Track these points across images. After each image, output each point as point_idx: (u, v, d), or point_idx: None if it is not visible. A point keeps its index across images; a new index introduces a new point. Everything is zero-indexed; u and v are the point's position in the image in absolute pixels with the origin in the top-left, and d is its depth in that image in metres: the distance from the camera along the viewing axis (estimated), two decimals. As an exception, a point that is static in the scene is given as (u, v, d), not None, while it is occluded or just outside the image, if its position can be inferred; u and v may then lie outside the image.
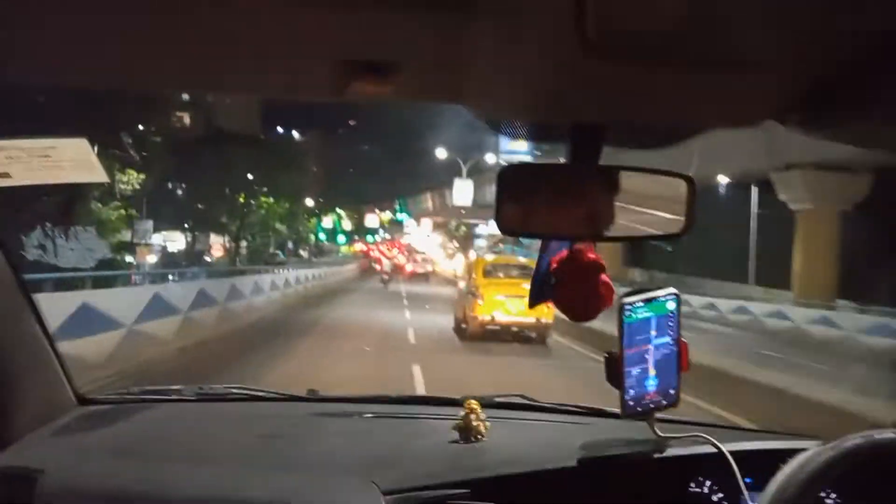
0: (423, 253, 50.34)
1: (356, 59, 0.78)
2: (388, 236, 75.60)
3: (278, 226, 33.17)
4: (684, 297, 1.21)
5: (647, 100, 0.77)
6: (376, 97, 0.91)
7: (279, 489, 1.07)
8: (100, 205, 15.43)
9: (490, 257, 14.88)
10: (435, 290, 20.95)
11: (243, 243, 31.05)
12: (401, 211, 74.24)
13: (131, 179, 17.21)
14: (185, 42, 0.76)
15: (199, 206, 27.30)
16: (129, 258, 18.40)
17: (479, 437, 1.29)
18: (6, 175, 0.97)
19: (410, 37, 0.73)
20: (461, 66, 0.79)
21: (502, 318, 11.41)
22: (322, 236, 53.62)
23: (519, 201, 0.94)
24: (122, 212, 17.20)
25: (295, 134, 58.04)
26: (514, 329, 11.54)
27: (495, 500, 1.12)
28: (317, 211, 49.11)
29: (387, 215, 77.51)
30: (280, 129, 54.30)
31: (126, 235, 18.38)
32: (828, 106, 0.74)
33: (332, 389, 1.89)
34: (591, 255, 1.00)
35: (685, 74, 0.68)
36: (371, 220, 64.71)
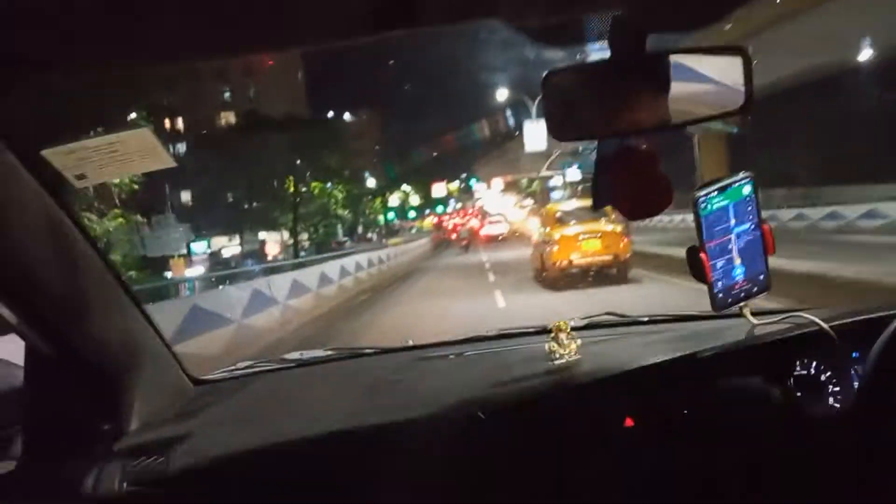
0: (498, 215, 49.98)
1: None
2: (459, 205, 75.99)
3: (340, 211, 33.34)
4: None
5: None
6: (409, 25, 0.90)
7: (392, 430, 1.17)
8: (91, 216, 12.90)
9: (561, 205, 15.22)
10: (524, 254, 15.71)
11: (304, 235, 30.85)
12: (470, 178, 74.42)
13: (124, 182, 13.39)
14: (201, 4, 0.79)
15: (248, 203, 27.04)
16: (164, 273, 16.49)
17: (572, 355, 1.35)
18: (83, 176, 1.11)
19: None
20: None
21: (579, 259, 12.00)
22: (391, 215, 54.51)
23: (568, 104, 0.98)
24: (121, 220, 14.34)
25: (347, 116, 59.24)
26: (593, 270, 12.10)
27: (597, 411, 1.18)
28: (380, 190, 49.57)
29: (455, 185, 78.19)
30: (331, 113, 55.62)
31: (136, 248, 16.32)
32: None
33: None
34: (644, 147, 1.02)
35: None
36: (438, 189, 64.56)
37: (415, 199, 62.10)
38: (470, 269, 18.61)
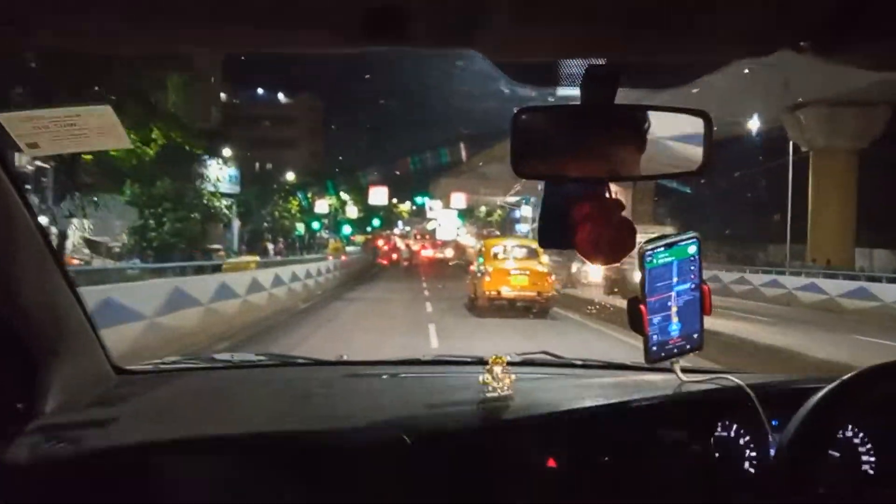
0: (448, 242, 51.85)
1: (368, 6, 0.98)
2: (408, 228, 76.74)
3: (217, 203, 28.56)
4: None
5: (662, 32, 1.01)
6: (389, 46, 1.10)
7: (311, 444, 1.40)
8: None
9: (498, 241, 20.96)
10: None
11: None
12: (422, 195, 74.32)
13: None
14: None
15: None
16: None
17: (505, 390, 1.61)
18: (35, 145, 1.31)
19: None
20: (474, 9, 0.99)
21: (508, 292, 16.46)
22: (315, 224, 51.55)
23: (534, 144, 1.23)
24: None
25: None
26: (519, 303, 16.58)
27: (522, 448, 1.43)
28: (299, 188, 47.00)
29: (406, 206, 78.77)
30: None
31: None
32: (849, 29, 0.96)
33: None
34: (612, 196, 1.28)
35: (701, 3, 0.91)
36: (377, 195, 58.92)
37: (352, 211, 59.69)
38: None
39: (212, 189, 29.38)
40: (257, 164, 46.66)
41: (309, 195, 50.19)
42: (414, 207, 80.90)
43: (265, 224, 44.85)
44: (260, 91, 61.27)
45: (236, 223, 42.15)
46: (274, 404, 1.72)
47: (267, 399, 1.77)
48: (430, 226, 70.89)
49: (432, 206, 70.79)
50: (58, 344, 1.50)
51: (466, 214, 62.40)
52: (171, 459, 1.40)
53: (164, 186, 23.71)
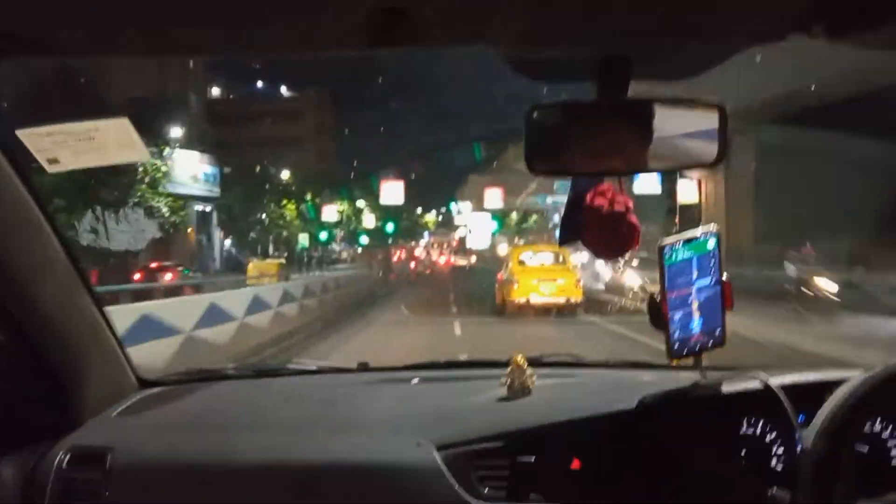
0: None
1: (378, 5, 1.12)
2: (428, 240, 77.15)
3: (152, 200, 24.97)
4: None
5: (674, 21, 1.16)
6: (400, 45, 1.27)
7: (336, 451, 1.59)
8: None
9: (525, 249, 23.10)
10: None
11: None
12: (450, 202, 73.75)
13: None
14: (203, 2, 1.09)
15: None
16: None
17: (527, 391, 1.79)
18: (55, 160, 1.51)
19: None
20: (483, 3, 1.13)
21: (536, 299, 18.59)
22: (323, 235, 49.32)
23: (548, 140, 1.40)
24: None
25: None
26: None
27: (546, 450, 1.60)
28: (289, 190, 44.26)
29: (431, 216, 79.22)
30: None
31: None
32: (860, 11, 1.10)
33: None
34: (620, 196, 1.45)
35: None
36: (390, 191, 51.81)
37: (369, 220, 57.50)
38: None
39: (173, 188, 26.65)
40: (247, 164, 44.22)
41: (314, 200, 48.77)
42: (440, 218, 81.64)
43: (251, 235, 42.87)
44: (260, 84, 61.55)
45: (217, 233, 40.79)
46: (297, 413, 1.94)
47: (288, 407, 2.01)
48: (459, 233, 70.90)
49: (460, 209, 69.31)
50: (84, 358, 1.72)
51: (503, 217, 59.34)
52: (198, 470, 1.59)
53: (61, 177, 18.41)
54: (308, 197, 48.27)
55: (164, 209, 25.45)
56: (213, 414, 1.96)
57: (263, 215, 43.46)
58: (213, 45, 1.32)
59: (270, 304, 14.65)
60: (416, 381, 2.21)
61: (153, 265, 25.95)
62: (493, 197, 53.48)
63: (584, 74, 1.36)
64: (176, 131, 30.78)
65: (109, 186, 22.08)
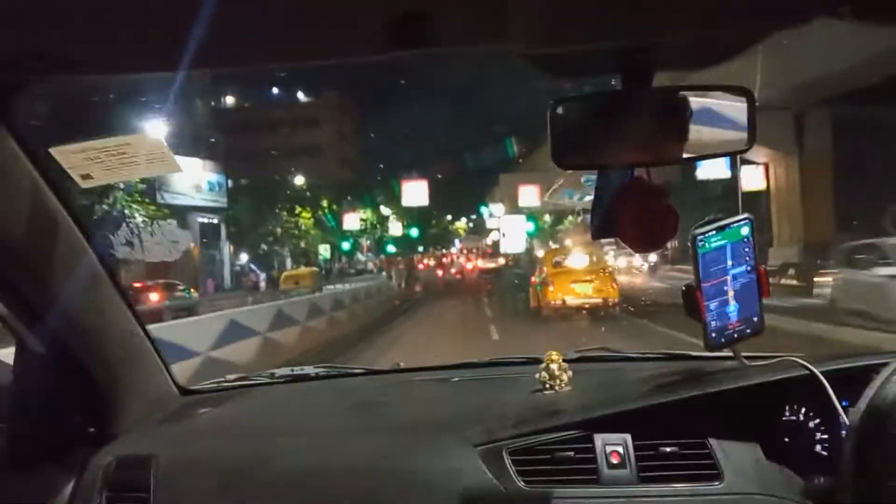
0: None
1: (397, 10, 1.24)
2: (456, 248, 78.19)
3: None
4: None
5: (696, 8, 1.28)
6: (421, 50, 1.39)
7: (376, 451, 1.78)
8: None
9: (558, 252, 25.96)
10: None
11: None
12: (481, 206, 74.46)
13: None
14: (223, 15, 1.17)
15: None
16: None
17: (563, 386, 1.97)
18: (88, 176, 1.72)
19: None
20: (504, 4, 1.24)
21: (572, 301, 20.62)
22: (346, 245, 51.66)
23: (574, 133, 1.53)
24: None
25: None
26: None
27: (587, 443, 1.77)
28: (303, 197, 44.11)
29: (462, 223, 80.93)
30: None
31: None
32: None
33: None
34: (653, 181, 1.60)
35: None
36: (413, 191, 52.71)
37: (396, 228, 58.39)
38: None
39: (171, 198, 26.97)
40: (260, 172, 45.43)
41: (332, 207, 49.07)
42: (470, 224, 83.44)
43: (262, 248, 43.15)
44: (275, 90, 62.40)
45: (226, 247, 41.21)
46: (333, 414, 2.18)
47: (327, 411, 2.24)
48: (491, 238, 71.04)
49: (493, 211, 69.37)
50: (124, 368, 1.95)
51: (538, 217, 58.78)
52: (241, 478, 1.80)
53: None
54: (325, 204, 48.76)
55: (139, 218, 24.23)
56: (251, 420, 2.19)
57: (277, 227, 43.82)
58: (234, 58, 1.47)
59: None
60: (455, 380, 2.42)
61: (136, 285, 24.98)
62: (529, 195, 53.87)
63: (608, 68, 1.48)
64: (175, 137, 30.61)
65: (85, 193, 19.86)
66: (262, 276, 40.99)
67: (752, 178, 38.11)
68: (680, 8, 1.28)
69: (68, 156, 1.71)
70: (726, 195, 39.20)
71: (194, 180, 35.54)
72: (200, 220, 38.55)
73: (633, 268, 32.91)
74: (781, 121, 33.67)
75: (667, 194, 1.62)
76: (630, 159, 1.56)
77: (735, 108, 1.57)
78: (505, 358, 2.65)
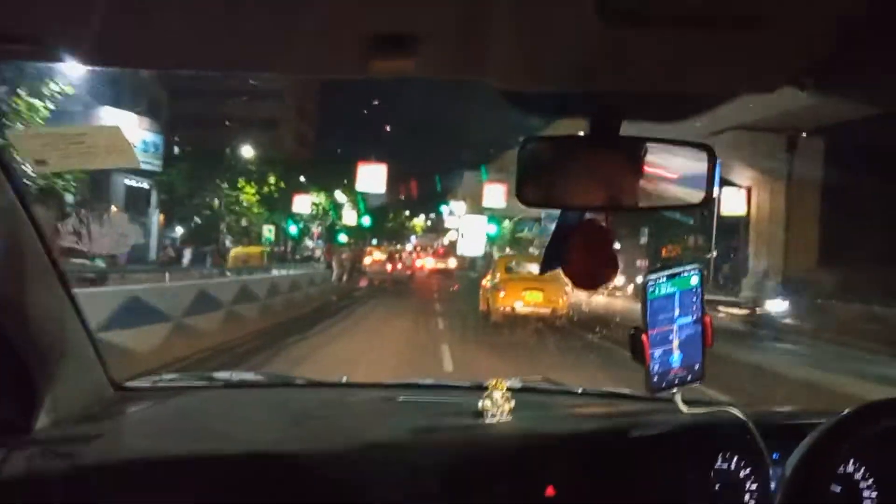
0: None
1: (378, 32, 1.29)
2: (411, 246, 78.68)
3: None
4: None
5: (667, 67, 1.44)
6: (398, 74, 1.53)
7: (310, 465, 1.90)
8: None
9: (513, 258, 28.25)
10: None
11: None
12: (442, 204, 74.99)
13: None
14: (206, 19, 1.28)
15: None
16: None
17: (504, 416, 2.13)
18: (43, 162, 1.82)
19: (433, 9, 1.23)
20: (483, 39, 1.30)
21: (522, 308, 22.06)
22: (293, 229, 51.92)
23: (540, 173, 1.68)
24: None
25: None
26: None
27: (520, 476, 1.92)
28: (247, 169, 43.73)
29: (420, 220, 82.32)
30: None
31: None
32: (849, 66, 1.35)
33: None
34: (603, 227, 1.76)
35: (705, 37, 1.27)
36: (368, 176, 49.10)
37: (350, 216, 57.91)
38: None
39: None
40: (205, 140, 45.02)
41: (280, 184, 48.42)
42: (429, 222, 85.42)
43: (196, 221, 42.44)
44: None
45: (155, 216, 40.31)
46: (271, 424, 2.30)
47: (264, 419, 2.36)
48: (449, 238, 71.55)
49: (453, 209, 70.65)
50: (57, 359, 2.04)
51: (501, 221, 58.78)
52: (163, 477, 1.91)
53: None
54: (272, 181, 48.06)
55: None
56: (184, 423, 2.30)
57: (215, 199, 43.34)
58: (212, 60, 1.58)
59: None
60: (399, 400, 2.56)
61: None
62: (495, 194, 51.98)
63: (579, 111, 1.65)
64: (109, 85, 28.54)
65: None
66: (188, 251, 38.22)
67: (731, 202, 38.41)
68: (650, 66, 1.42)
69: (23, 140, 1.82)
70: (703, 218, 39.70)
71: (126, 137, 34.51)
72: (127, 182, 38.13)
73: (615, 288, 33.23)
74: (772, 143, 34.41)
75: (612, 241, 1.79)
76: (590, 202, 1.72)
77: (695, 162, 1.71)
78: (449, 382, 2.91)
